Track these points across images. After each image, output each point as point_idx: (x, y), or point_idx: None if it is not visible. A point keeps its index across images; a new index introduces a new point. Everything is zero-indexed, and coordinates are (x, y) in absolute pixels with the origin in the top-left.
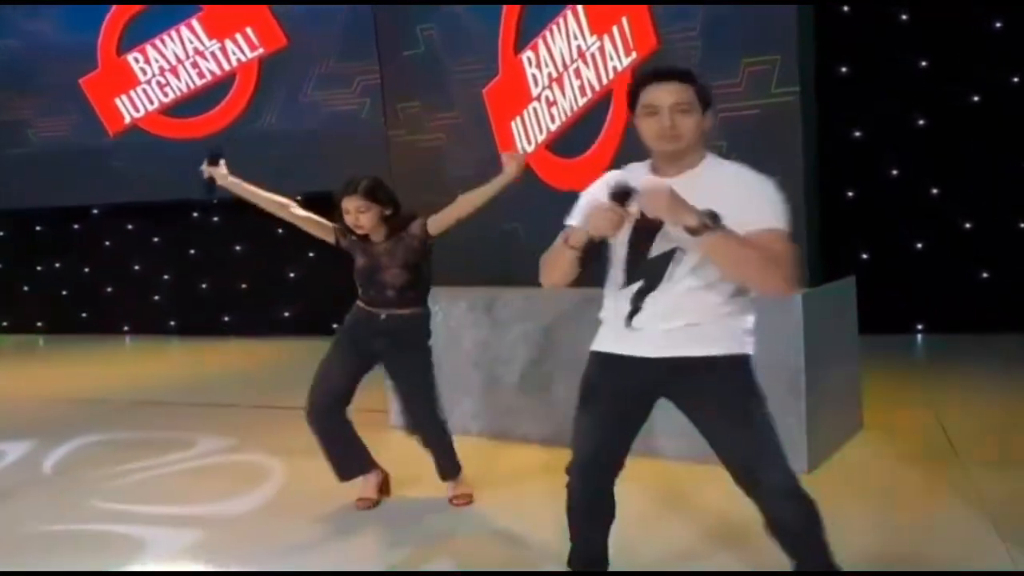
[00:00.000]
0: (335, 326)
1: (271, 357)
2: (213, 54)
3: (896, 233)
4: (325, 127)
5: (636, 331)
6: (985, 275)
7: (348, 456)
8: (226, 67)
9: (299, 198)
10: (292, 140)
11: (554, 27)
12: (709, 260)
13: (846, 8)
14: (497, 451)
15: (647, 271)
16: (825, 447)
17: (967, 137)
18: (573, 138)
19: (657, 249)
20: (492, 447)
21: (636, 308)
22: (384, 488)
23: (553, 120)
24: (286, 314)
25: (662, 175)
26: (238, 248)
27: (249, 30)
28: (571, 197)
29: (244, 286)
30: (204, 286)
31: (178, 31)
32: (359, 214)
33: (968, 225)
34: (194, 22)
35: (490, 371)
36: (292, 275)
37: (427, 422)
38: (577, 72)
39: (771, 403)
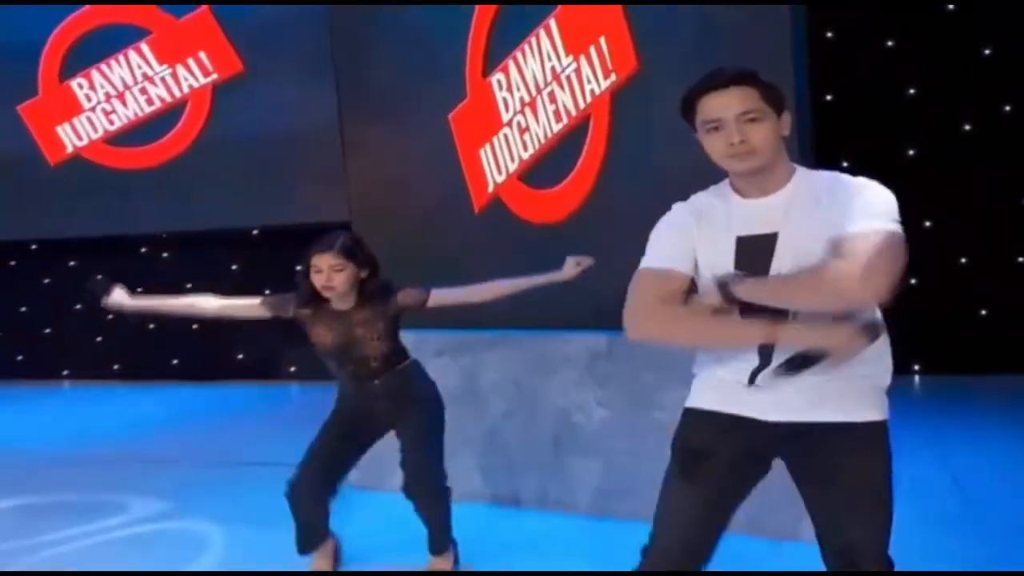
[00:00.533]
0: (292, 369)
1: (220, 404)
2: (163, 79)
3: None
4: (282, 155)
5: (760, 388)
6: (983, 312)
7: (314, 528)
8: (177, 93)
9: (256, 231)
10: (247, 170)
11: (526, 47)
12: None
13: (830, 34)
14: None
15: (771, 314)
16: None
17: (960, 168)
18: (548, 167)
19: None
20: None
21: (765, 362)
22: (336, 557)
23: (526, 148)
24: (239, 356)
25: (745, 196)
26: (189, 286)
27: (202, 54)
28: (545, 231)
29: (195, 327)
30: (151, 327)
31: (126, 55)
32: (333, 273)
33: (964, 260)
34: (143, 46)
35: (460, 424)
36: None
37: (430, 482)
38: (552, 96)
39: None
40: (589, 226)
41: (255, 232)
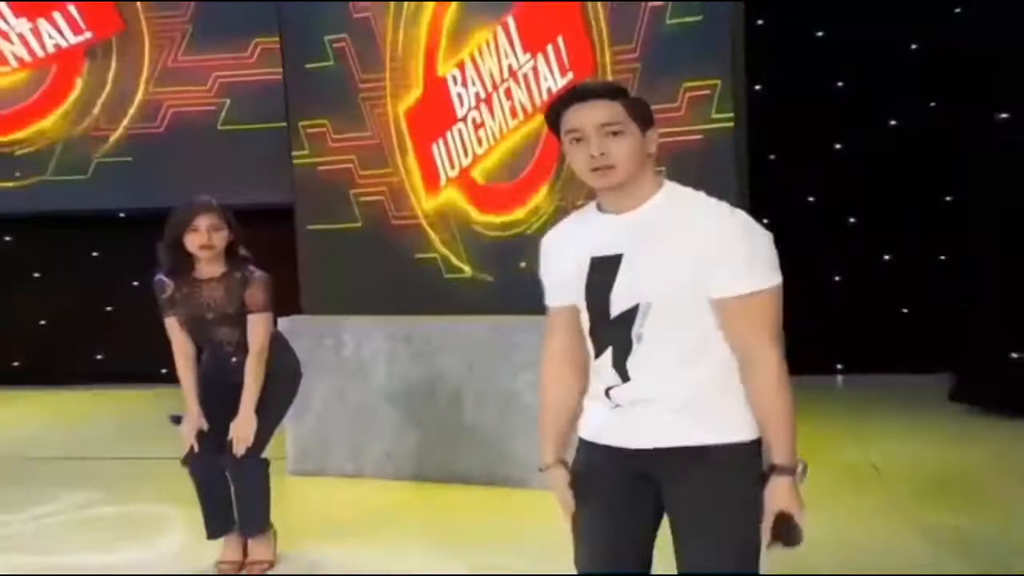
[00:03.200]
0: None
1: (79, 410)
2: (21, 36)
3: (815, 264)
4: (170, 131)
5: (619, 410)
6: (905, 311)
7: (219, 512)
8: (40, 53)
9: (123, 215)
10: (129, 147)
11: (483, 43)
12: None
13: (760, 21)
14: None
15: (614, 337)
16: None
17: (884, 164)
18: (503, 163)
19: (618, 306)
20: (411, 488)
21: (619, 380)
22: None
23: (480, 143)
24: (98, 357)
25: (604, 212)
26: (36, 275)
27: (72, 8)
28: (498, 225)
29: (42, 323)
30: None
31: None
32: (213, 232)
33: (887, 257)
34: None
35: (407, 406)
36: (109, 309)
37: (256, 449)
38: (508, 92)
39: None
40: (539, 219)
41: (122, 215)
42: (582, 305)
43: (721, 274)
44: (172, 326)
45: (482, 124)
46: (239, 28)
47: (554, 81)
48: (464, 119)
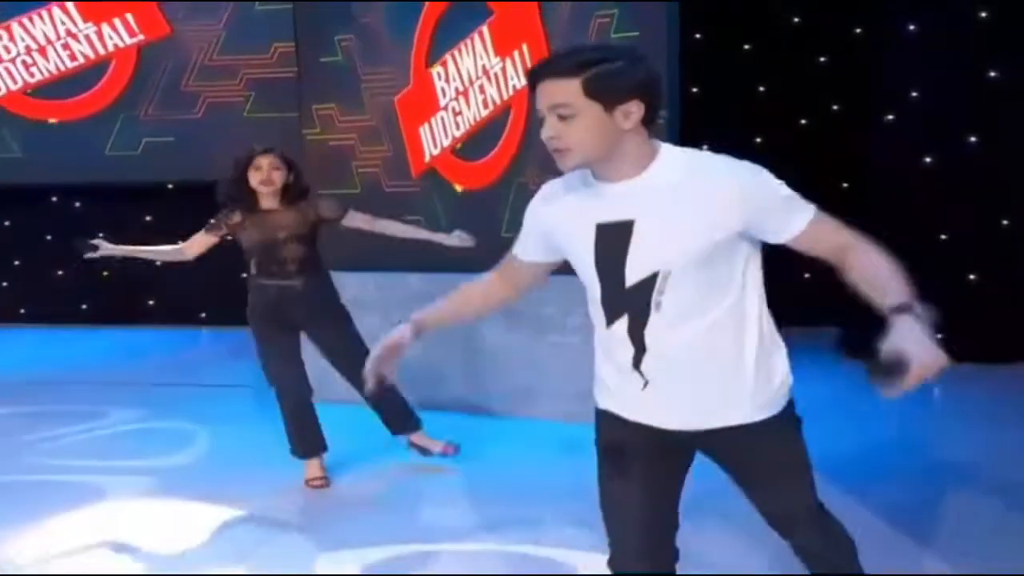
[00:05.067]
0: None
1: (141, 345)
2: (87, 37)
3: None
4: (206, 117)
5: (652, 387)
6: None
7: (308, 433)
8: (101, 51)
9: (171, 186)
10: (172, 128)
11: (463, 47)
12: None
13: (698, 35)
14: None
15: (630, 306)
16: None
17: (795, 156)
18: (475, 144)
19: (635, 274)
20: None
21: (637, 362)
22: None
23: (458, 128)
24: (150, 303)
25: (603, 180)
26: (101, 235)
27: (128, 16)
28: (471, 195)
29: (105, 274)
30: (60, 273)
31: (49, 11)
32: (272, 171)
33: None
34: (68, 3)
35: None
36: (159, 264)
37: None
38: (481, 88)
39: None
40: (503, 191)
41: (170, 186)
42: (590, 273)
43: (772, 223)
44: (201, 240)
45: (460, 112)
46: (262, 34)
47: (518, 80)
48: (445, 108)
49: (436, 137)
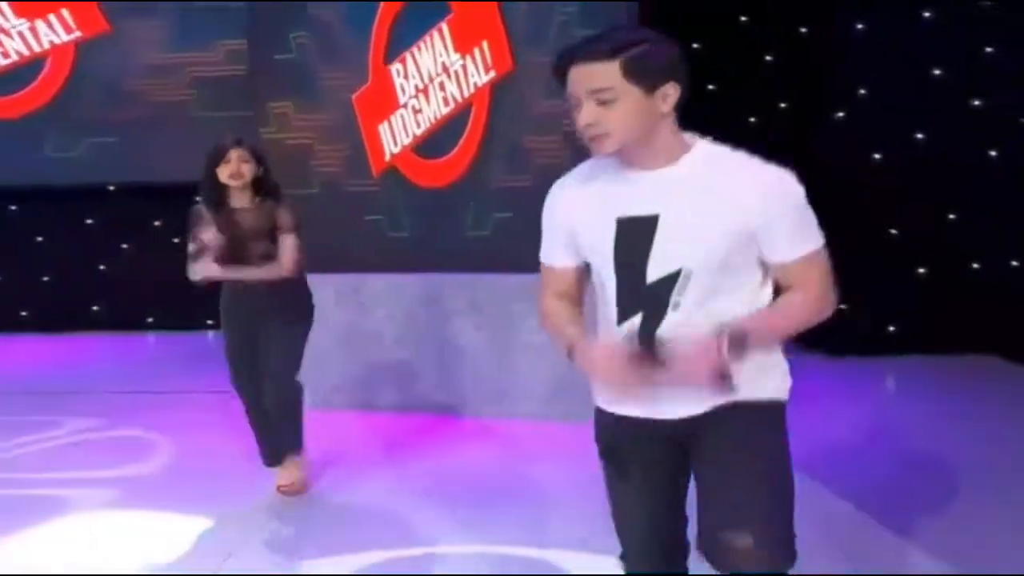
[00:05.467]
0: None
1: (87, 352)
2: (21, 34)
3: None
4: (149, 117)
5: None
6: None
7: (267, 441)
8: (36, 48)
9: (112, 187)
10: (112, 128)
11: (422, 44)
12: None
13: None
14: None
15: (648, 304)
16: None
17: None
18: (436, 142)
19: (656, 271)
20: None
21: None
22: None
23: (419, 125)
24: (94, 308)
25: (630, 168)
26: (39, 239)
27: (65, 12)
28: (431, 194)
29: (46, 279)
30: None
31: None
32: (242, 163)
33: None
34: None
35: (356, 348)
36: (103, 268)
37: (289, 388)
38: (441, 85)
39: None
40: (466, 189)
41: (111, 188)
42: (607, 269)
43: (778, 239)
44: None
45: (420, 110)
46: (208, 32)
47: (479, 77)
48: (405, 106)
49: (396, 135)
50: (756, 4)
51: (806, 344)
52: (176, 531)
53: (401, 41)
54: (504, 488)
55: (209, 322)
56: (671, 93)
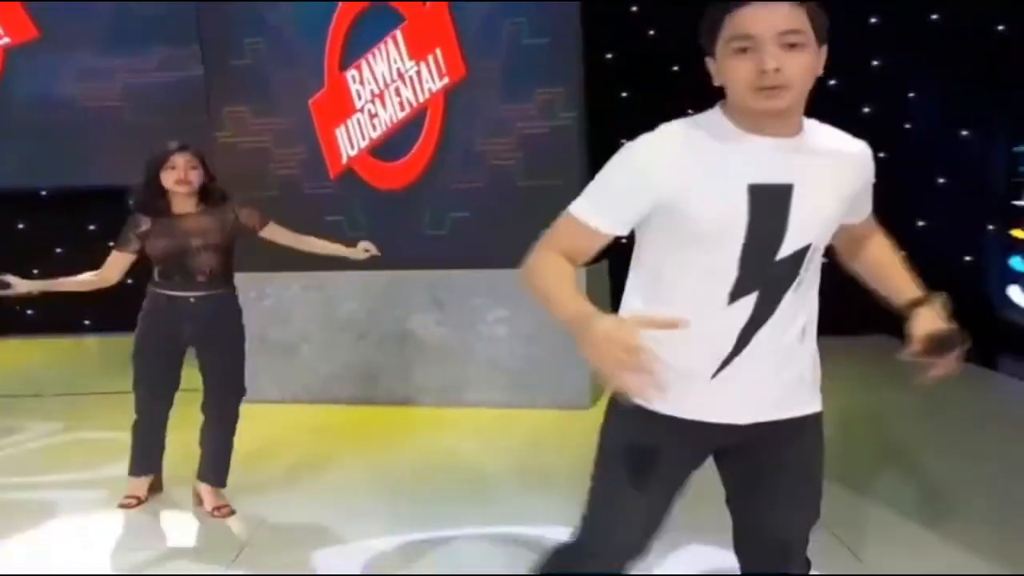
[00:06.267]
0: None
1: (27, 356)
2: None
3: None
4: (81, 122)
5: (727, 383)
6: None
7: (148, 452)
8: None
9: (44, 192)
10: (43, 134)
11: (376, 51)
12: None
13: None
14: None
15: (771, 281)
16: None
17: None
18: (392, 145)
19: (790, 245)
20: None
21: (741, 346)
22: (154, 486)
23: (375, 129)
24: (29, 312)
25: (755, 134)
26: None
27: None
28: (389, 195)
29: None
30: None
31: None
32: (189, 169)
33: None
34: None
35: (324, 342)
36: (36, 272)
37: (231, 412)
38: (397, 91)
39: (569, 351)
40: (423, 191)
41: (43, 192)
42: (721, 242)
43: (861, 204)
44: (116, 260)
45: (376, 115)
46: (144, 38)
47: (433, 83)
48: (361, 110)
49: (353, 138)
50: (669, 18)
51: None
52: (181, 528)
53: (356, 48)
54: (480, 473)
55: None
56: (823, 54)
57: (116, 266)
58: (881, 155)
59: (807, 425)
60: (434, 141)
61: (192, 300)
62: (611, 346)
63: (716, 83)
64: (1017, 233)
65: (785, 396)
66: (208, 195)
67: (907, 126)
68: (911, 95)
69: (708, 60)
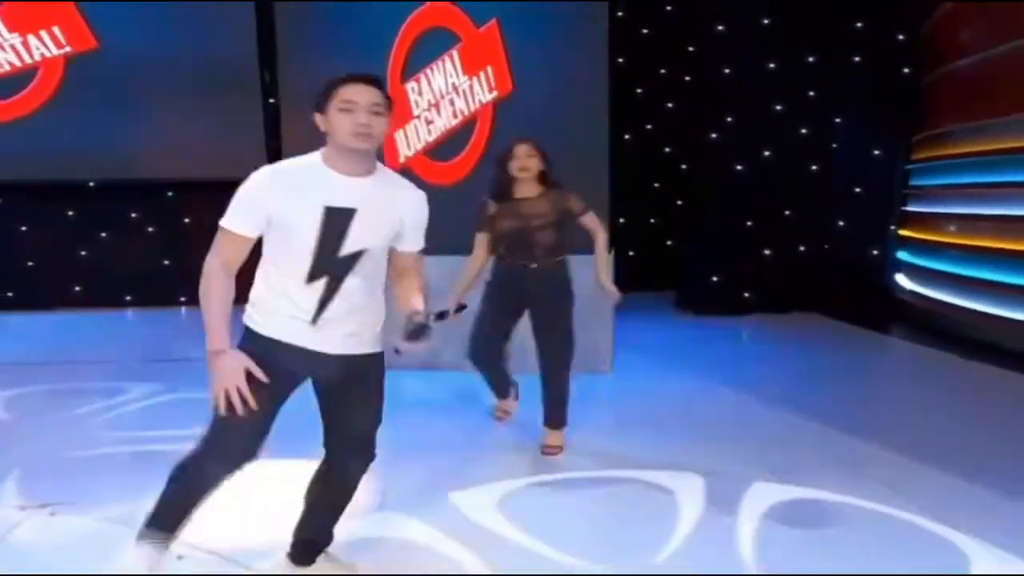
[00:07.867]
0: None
1: (90, 326)
2: (13, 47)
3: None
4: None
5: (320, 329)
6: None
7: (503, 382)
8: (28, 60)
9: (92, 184)
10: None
11: (434, 67)
12: (377, 267)
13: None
14: None
15: (335, 269)
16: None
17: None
18: (446, 148)
19: (348, 248)
20: None
21: (322, 308)
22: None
23: (431, 134)
24: (76, 288)
25: (340, 172)
26: (23, 229)
27: (56, 28)
28: (442, 190)
29: (31, 264)
30: None
31: None
32: (528, 158)
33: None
34: None
35: None
36: (83, 253)
37: (564, 366)
38: (451, 102)
39: (591, 319)
40: (471, 189)
41: (92, 184)
42: (311, 242)
43: (411, 235)
44: (481, 241)
45: (432, 122)
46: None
47: (484, 95)
48: (418, 117)
49: (411, 141)
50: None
51: (683, 305)
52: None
53: (416, 64)
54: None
55: (182, 299)
56: (389, 122)
57: (483, 246)
58: (813, 168)
59: (372, 360)
60: (481, 146)
61: (535, 268)
62: (232, 375)
63: (322, 130)
64: (904, 232)
65: (354, 340)
66: (545, 179)
67: (834, 145)
68: (837, 120)
69: (317, 116)
